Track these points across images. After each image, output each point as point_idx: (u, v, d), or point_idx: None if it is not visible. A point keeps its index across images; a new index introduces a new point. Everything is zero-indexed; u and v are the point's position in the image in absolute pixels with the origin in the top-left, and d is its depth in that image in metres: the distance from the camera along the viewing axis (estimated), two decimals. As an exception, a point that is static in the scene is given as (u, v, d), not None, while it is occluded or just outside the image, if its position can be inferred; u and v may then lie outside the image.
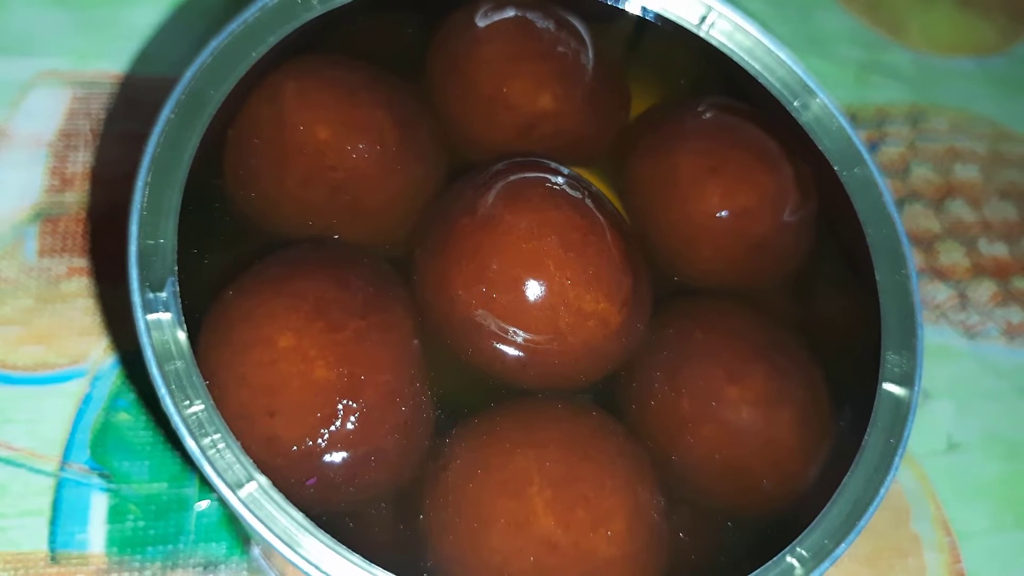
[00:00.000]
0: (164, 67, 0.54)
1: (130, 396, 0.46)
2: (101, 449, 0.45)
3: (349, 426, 0.28)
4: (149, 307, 0.27)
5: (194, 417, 0.26)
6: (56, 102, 0.52)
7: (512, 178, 0.32)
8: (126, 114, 0.52)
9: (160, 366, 0.26)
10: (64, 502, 0.44)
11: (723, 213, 0.34)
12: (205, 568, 0.43)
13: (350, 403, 0.28)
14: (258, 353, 0.28)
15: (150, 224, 0.28)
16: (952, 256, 0.58)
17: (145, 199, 0.28)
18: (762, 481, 0.32)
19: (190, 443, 0.25)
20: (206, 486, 0.44)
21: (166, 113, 0.30)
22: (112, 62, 0.54)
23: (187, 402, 0.26)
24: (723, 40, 0.38)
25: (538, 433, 0.29)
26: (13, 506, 0.43)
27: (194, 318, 0.28)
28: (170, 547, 0.43)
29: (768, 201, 0.35)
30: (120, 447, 0.45)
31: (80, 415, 0.45)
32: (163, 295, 0.27)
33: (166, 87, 0.53)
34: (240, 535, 0.43)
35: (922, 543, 0.50)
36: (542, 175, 0.32)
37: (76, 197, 0.50)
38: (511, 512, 0.28)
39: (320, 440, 0.27)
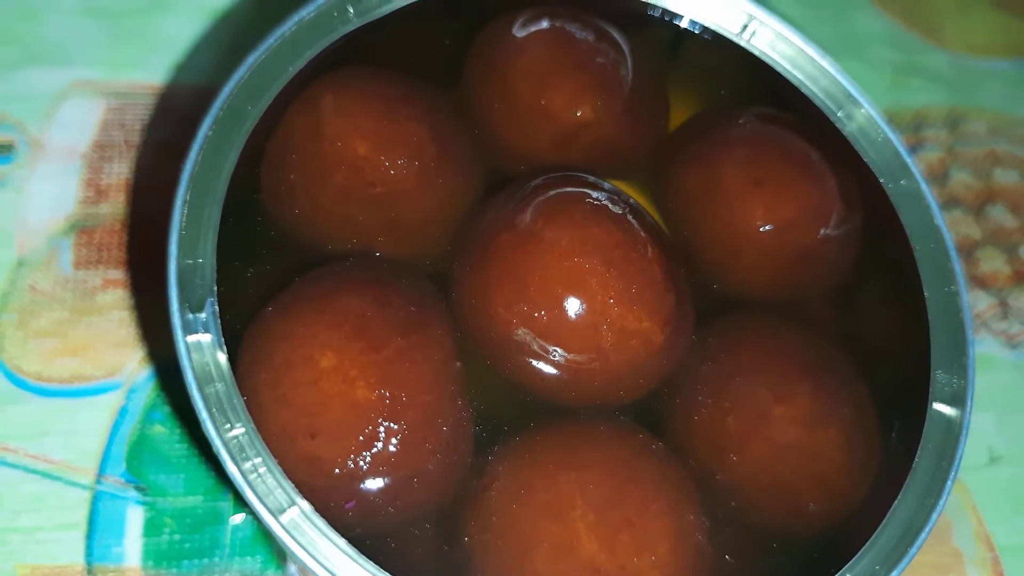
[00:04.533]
0: (198, 76, 0.54)
1: (165, 409, 0.46)
2: (137, 462, 0.45)
3: (391, 448, 0.27)
4: (189, 328, 0.27)
5: (235, 441, 0.25)
6: (90, 113, 0.52)
7: (552, 193, 0.31)
8: (161, 124, 0.52)
9: (201, 389, 0.26)
10: (100, 515, 0.44)
11: (767, 225, 0.34)
12: (240, 582, 0.43)
13: (392, 424, 0.27)
14: (299, 373, 0.28)
15: (189, 243, 0.28)
16: (993, 263, 0.57)
17: (184, 218, 0.28)
18: (808, 502, 0.31)
19: (231, 468, 0.25)
20: (241, 501, 0.44)
21: (204, 130, 0.29)
22: (146, 72, 0.54)
23: (228, 425, 0.26)
24: (765, 49, 0.37)
25: (580, 455, 0.29)
26: (50, 519, 0.43)
27: (233, 335, 0.28)
28: (206, 561, 0.43)
29: (813, 213, 0.34)
30: (156, 460, 0.45)
31: (116, 428, 0.45)
32: (202, 316, 0.27)
33: (200, 96, 0.53)
34: (276, 551, 0.43)
35: (964, 558, 0.49)
36: (582, 190, 0.32)
37: (111, 208, 0.50)
38: (554, 536, 0.28)
39: (362, 462, 0.27)
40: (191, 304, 0.27)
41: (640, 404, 0.32)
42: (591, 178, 0.32)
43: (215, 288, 0.28)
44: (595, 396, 0.31)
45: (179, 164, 0.51)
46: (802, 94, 0.37)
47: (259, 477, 0.25)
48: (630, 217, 0.31)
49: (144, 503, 0.44)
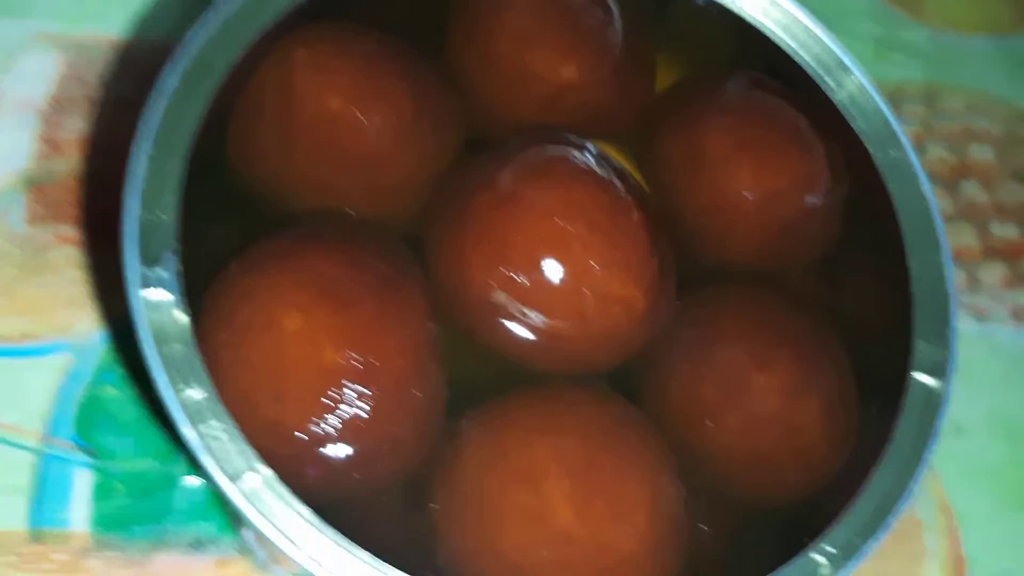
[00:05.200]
0: (161, 31, 0.51)
1: (117, 371, 0.44)
2: (86, 424, 0.43)
3: (360, 413, 0.26)
4: (146, 283, 0.25)
5: (193, 404, 0.24)
6: (48, 66, 0.50)
7: (535, 152, 0.30)
8: (121, 80, 0.50)
9: (157, 348, 0.24)
10: (47, 479, 0.42)
11: (752, 192, 0.33)
12: (194, 547, 0.41)
13: (361, 389, 0.26)
14: (262, 335, 0.26)
15: (149, 198, 0.26)
16: (963, 238, 0.57)
17: (144, 172, 0.26)
18: (787, 472, 0.30)
19: (188, 431, 0.23)
20: (197, 467, 0.43)
21: (170, 82, 0.28)
22: (107, 25, 0.51)
23: (182, 387, 0.24)
24: (756, 15, 0.36)
25: (556, 420, 0.28)
26: (-6, 482, 0.41)
27: (194, 296, 0.26)
28: (157, 526, 0.42)
29: (799, 182, 0.34)
30: (106, 423, 0.43)
31: (65, 389, 0.43)
32: (163, 273, 0.26)
33: (162, 52, 0.50)
34: (230, 515, 0.42)
35: (923, 526, 0.49)
36: (566, 150, 0.30)
37: (67, 164, 0.47)
38: (527, 504, 0.27)
39: (328, 427, 0.26)
40: (149, 257, 0.26)
41: (618, 371, 0.31)
42: (575, 139, 0.31)
43: (177, 245, 0.26)
44: (573, 363, 0.30)
45: (137, 120, 0.49)
46: (792, 61, 0.36)
47: (218, 442, 0.24)
48: (615, 179, 0.30)
49: (93, 467, 0.42)
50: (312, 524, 0.24)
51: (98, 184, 0.47)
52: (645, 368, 0.31)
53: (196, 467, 0.42)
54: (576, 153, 0.30)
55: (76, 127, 0.48)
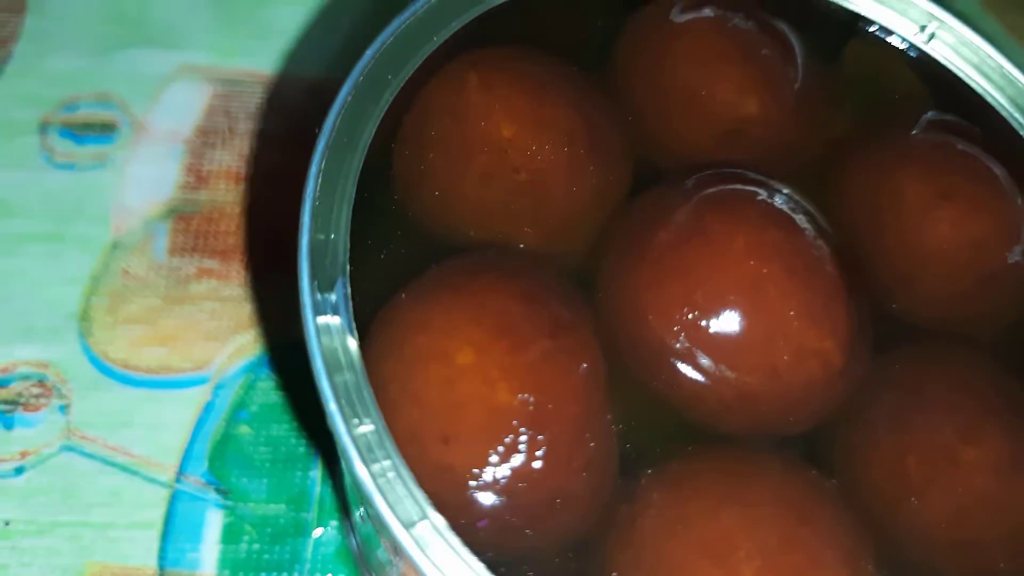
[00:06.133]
0: (307, 68, 0.52)
1: (253, 408, 0.43)
2: (219, 462, 0.42)
3: (534, 462, 0.24)
4: (318, 309, 0.24)
5: (363, 439, 0.22)
6: (195, 98, 0.51)
7: (721, 188, 0.28)
8: (266, 114, 0.50)
9: (330, 377, 0.23)
10: (177, 516, 0.41)
11: (952, 243, 0.30)
12: (321, 602, 0.40)
13: (535, 435, 0.24)
14: (433, 369, 0.24)
15: (321, 217, 0.25)
16: None
17: (318, 189, 0.25)
18: (998, 560, 0.27)
19: (360, 469, 0.22)
20: (327, 512, 0.41)
21: (343, 96, 0.27)
22: (254, 60, 0.52)
23: (356, 420, 0.22)
24: (946, 53, 0.34)
25: (746, 489, 0.25)
26: (125, 516, 0.41)
27: (361, 322, 0.25)
28: (285, 575, 0.40)
29: (1003, 232, 0.30)
30: (239, 462, 0.42)
31: (200, 424, 0.42)
32: (332, 297, 0.24)
33: (308, 89, 0.51)
34: (360, 566, 0.40)
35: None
36: (754, 188, 0.28)
37: (210, 196, 0.48)
38: (715, 579, 0.24)
39: (500, 475, 0.24)
40: (320, 283, 0.24)
41: (804, 437, 0.28)
42: (761, 176, 0.29)
43: (347, 268, 0.25)
44: (759, 423, 0.27)
45: (283, 155, 0.49)
46: (986, 104, 0.33)
47: (388, 483, 0.22)
48: (807, 223, 0.28)
49: (224, 507, 0.41)
50: (485, 580, 0.21)
51: (242, 216, 0.47)
52: (836, 435, 0.28)
53: (326, 505, 0.40)
54: (765, 192, 0.28)
55: (221, 159, 0.49)
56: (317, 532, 0.41)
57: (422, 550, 0.21)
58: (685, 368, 0.26)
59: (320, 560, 0.40)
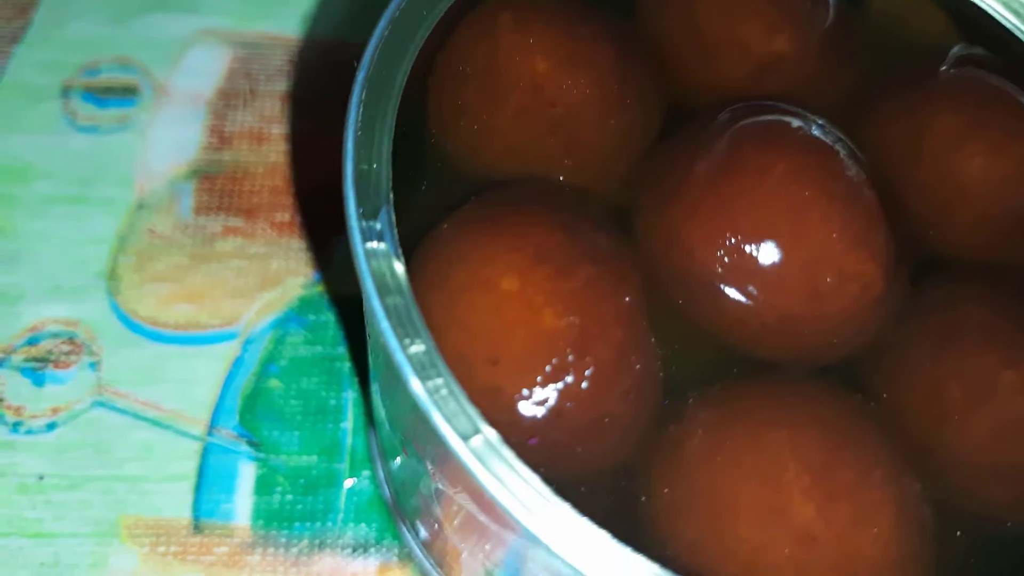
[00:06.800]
0: (326, 30, 0.52)
1: (282, 362, 0.43)
2: (250, 416, 0.42)
3: (582, 382, 0.24)
4: (365, 235, 0.24)
5: (416, 357, 0.22)
6: (216, 61, 0.51)
7: (757, 119, 0.28)
8: (286, 75, 0.50)
9: (381, 298, 0.23)
10: (210, 468, 0.41)
11: (986, 174, 0.30)
12: (354, 550, 0.40)
13: (582, 357, 0.24)
14: (478, 296, 0.25)
15: (363, 148, 0.25)
16: None
17: (359, 120, 0.25)
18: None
19: (416, 386, 0.22)
20: (359, 462, 0.41)
21: (380, 29, 0.27)
22: (273, 23, 0.52)
23: (408, 340, 0.23)
24: (976, -10, 0.34)
25: (792, 411, 0.25)
26: (158, 469, 0.41)
27: (404, 251, 0.25)
28: (318, 525, 0.40)
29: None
30: (270, 415, 0.42)
31: (230, 379, 0.43)
32: (377, 225, 0.24)
33: (328, 51, 0.52)
34: (394, 514, 0.40)
35: None
36: (791, 119, 0.28)
37: (233, 156, 0.48)
38: (763, 499, 0.24)
39: (549, 395, 0.24)
40: (365, 211, 0.24)
41: (843, 364, 0.28)
42: (794, 108, 0.29)
43: (390, 196, 0.25)
44: (800, 348, 0.27)
45: (304, 118, 0.49)
46: (1014, 38, 0.33)
47: (444, 400, 0.22)
48: (844, 150, 0.28)
49: (256, 459, 0.41)
50: (540, 493, 0.21)
51: (264, 175, 0.47)
52: (875, 362, 0.28)
53: (359, 453, 0.40)
54: (801, 121, 0.28)
55: (244, 120, 0.49)
56: (349, 482, 0.41)
57: (480, 461, 0.21)
58: (728, 294, 0.26)
59: (353, 509, 0.40)
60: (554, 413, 0.24)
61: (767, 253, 0.26)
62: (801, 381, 0.27)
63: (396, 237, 0.24)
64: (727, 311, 0.26)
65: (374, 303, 0.22)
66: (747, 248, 0.26)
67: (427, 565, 0.39)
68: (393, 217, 0.25)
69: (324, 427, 0.42)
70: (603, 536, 0.21)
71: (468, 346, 0.24)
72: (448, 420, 0.21)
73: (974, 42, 0.34)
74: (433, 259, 0.26)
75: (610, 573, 0.21)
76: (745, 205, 0.26)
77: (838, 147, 0.28)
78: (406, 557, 0.40)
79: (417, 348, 0.23)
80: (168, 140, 0.48)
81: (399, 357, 0.22)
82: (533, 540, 0.21)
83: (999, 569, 0.26)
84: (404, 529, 0.40)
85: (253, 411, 0.42)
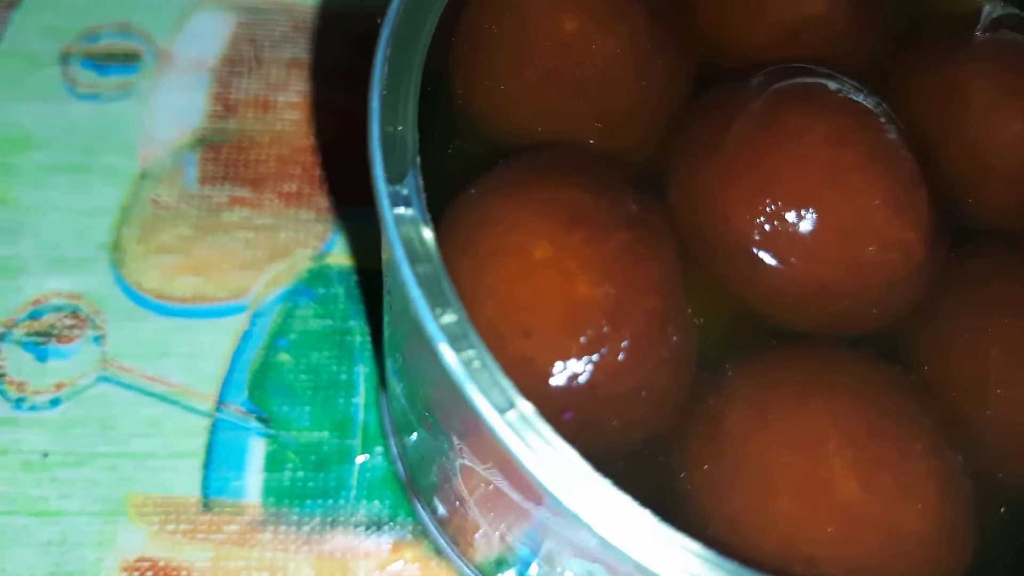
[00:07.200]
0: (333, -4, 0.51)
1: (292, 336, 0.42)
2: (259, 391, 0.41)
3: (618, 353, 0.23)
4: (393, 200, 0.23)
5: (449, 327, 0.21)
6: (220, 26, 0.49)
7: (793, 81, 0.27)
8: (292, 41, 0.49)
9: (411, 265, 0.22)
10: (219, 445, 0.40)
11: (1015, 143, 0.29)
12: (367, 528, 0.39)
13: (618, 327, 0.23)
14: (509, 264, 0.24)
15: (388, 109, 0.24)
16: None
17: (384, 79, 0.24)
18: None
19: (449, 357, 0.21)
20: (371, 438, 0.40)
21: (404, -12, 0.25)
22: (277, -13, 0.51)
23: (439, 310, 0.22)
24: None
25: (831, 381, 0.24)
26: (166, 446, 0.40)
27: (431, 217, 0.24)
28: (330, 502, 0.39)
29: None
30: (280, 390, 0.41)
31: (238, 353, 0.42)
32: (403, 190, 0.23)
33: (333, 16, 0.50)
34: (408, 490, 0.39)
35: None
36: (827, 81, 0.27)
37: (239, 124, 0.47)
38: (804, 471, 0.23)
39: (584, 367, 0.23)
40: (391, 176, 0.23)
41: (880, 335, 0.27)
42: (828, 71, 0.28)
43: (417, 159, 0.24)
44: (838, 317, 0.26)
45: (311, 81, 0.48)
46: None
47: (477, 372, 0.21)
48: (883, 114, 0.27)
49: (266, 435, 0.40)
50: (580, 468, 0.21)
51: (271, 143, 0.46)
52: (913, 332, 0.27)
53: (370, 430, 0.39)
54: (837, 84, 0.27)
55: (249, 87, 0.47)
56: (361, 458, 0.40)
57: (516, 435, 0.20)
58: (766, 261, 0.25)
59: (366, 486, 0.40)
60: (589, 386, 0.23)
61: (807, 219, 0.25)
62: (839, 352, 0.26)
63: (424, 202, 0.23)
64: (764, 279, 0.26)
65: (404, 271, 0.21)
66: (786, 214, 0.25)
67: (442, 542, 0.38)
68: (421, 182, 0.23)
69: (335, 402, 0.41)
70: (644, 514, 0.20)
71: (499, 316, 0.23)
72: (483, 393, 0.20)
73: (1009, 3, 0.33)
74: (461, 225, 0.25)
75: (652, 551, 0.20)
76: (784, 169, 0.25)
77: (878, 111, 0.27)
78: (420, 534, 0.39)
79: (449, 318, 0.22)
80: (172, 108, 0.47)
81: (431, 327, 0.21)
82: (570, 517, 0.20)
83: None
84: (419, 506, 0.39)
85: (262, 386, 0.41)
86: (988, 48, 0.31)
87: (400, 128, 0.24)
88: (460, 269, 0.24)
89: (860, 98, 0.27)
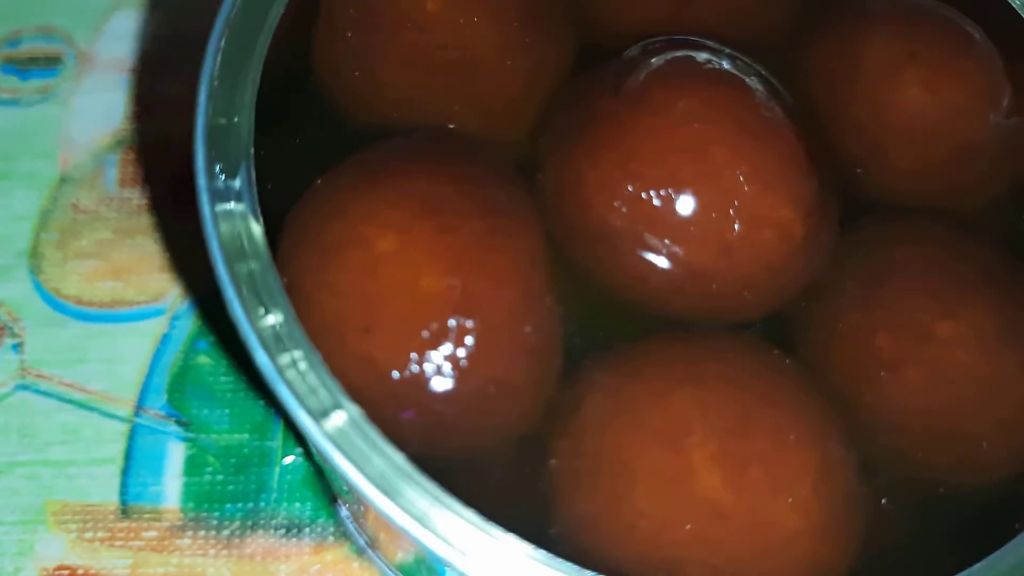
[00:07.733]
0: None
1: (211, 338, 0.41)
2: (179, 394, 0.40)
3: (463, 349, 0.22)
4: (219, 196, 0.22)
5: (270, 330, 0.20)
6: (140, 26, 0.48)
7: (667, 55, 0.25)
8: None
9: (229, 265, 0.21)
10: (138, 450, 0.39)
11: (922, 106, 0.27)
12: (287, 531, 0.38)
13: (465, 320, 0.22)
14: (351, 256, 0.23)
15: (223, 99, 0.23)
16: None
17: (217, 68, 0.23)
18: (982, 443, 0.25)
19: (263, 360, 0.20)
20: (292, 439, 0.40)
21: (246, -29, 0.24)
22: (199, -17, 0.50)
23: (262, 310, 0.21)
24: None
25: (700, 368, 0.23)
26: (84, 452, 0.39)
27: (276, 216, 0.23)
28: (251, 505, 0.39)
29: (979, 95, 0.28)
30: (199, 393, 0.40)
31: (157, 356, 0.41)
32: (236, 183, 0.22)
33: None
34: (327, 492, 0.38)
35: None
36: (701, 53, 0.26)
37: (159, 125, 0.46)
38: (665, 466, 0.22)
39: (427, 364, 0.22)
40: (224, 169, 0.22)
41: (765, 319, 0.26)
42: (713, 44, 0.26)
43: (252, 151, 0.23)
44: (715, 305, 0.25)
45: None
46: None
47: (299, 375, 0.20)
48: (760, 85, 0.25)
49: (186, 439, 0.40)
50: (407, 474, 0.20)
51: (189, 144, 0.45)
52: (801, 314, 0.26)
53: (289, 430, 0.39)
54: (713, 56, 0.26)
55: (168, 88, 0.47)
56: (288, 460, 0.39)
57: (335, 442, 0.19)
58: (629, 249, 0.24)
59: (287, 488, 0.39)
60: (433, 383, 0.22)
61: (668, 199, 0.23)
62: (713, 337, 0.24)
63: (255, 196, 0.22)
64: (630, 267, 0.24)
65: (220, 270, 0.20)
66: (646, 194, 0.23)
67: (362, 543, 0.37)
68: (253, 175, 0.22)
69: (256, 404, 0.40)
70: (470, 515, 0.19)
71: (339, 313, 0.22)
72: (299, 397, 0.19)
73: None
74: (305, 217, 0.24)
75: (476, 553, 0.19)
76: (642, 146, 0.24)
77: (753, 81, 0.25)
78: (341, 536, 0.38)
79: (274, 318, 0.21)
80: (92, 110, 0.46)
81: (245, 329, 0.20)
82: (390, 521, 0.19)
83: (932, 536, 0.24)
84: (339, 507, 0.38)
85: (182, 389, 0.40)
86: (889, 10, 0.29)
87: (235, 119, 0.23)
88: (301, 264, 0.23)
89: (735, 70, 0.26)
